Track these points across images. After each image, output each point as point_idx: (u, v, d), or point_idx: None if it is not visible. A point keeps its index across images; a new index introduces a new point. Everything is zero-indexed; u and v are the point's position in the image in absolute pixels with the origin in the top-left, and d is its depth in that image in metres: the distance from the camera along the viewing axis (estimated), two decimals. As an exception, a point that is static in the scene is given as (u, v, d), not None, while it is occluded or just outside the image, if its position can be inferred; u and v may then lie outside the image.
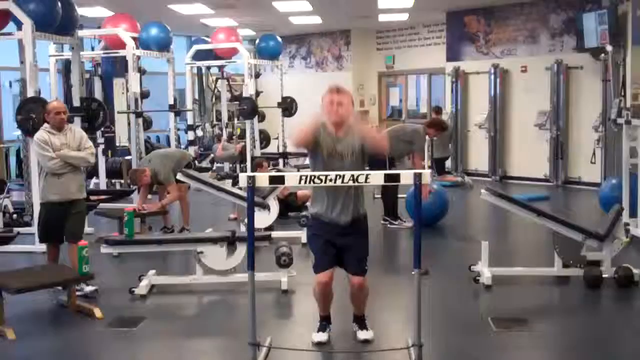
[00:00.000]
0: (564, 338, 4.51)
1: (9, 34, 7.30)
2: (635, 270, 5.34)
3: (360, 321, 4.28)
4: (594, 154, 9.98)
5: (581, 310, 5.08)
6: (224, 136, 12.37)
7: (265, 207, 7.09)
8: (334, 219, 4.01)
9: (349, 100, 3.96)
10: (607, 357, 4.13)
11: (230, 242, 5.41)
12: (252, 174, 3.68)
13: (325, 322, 4.26)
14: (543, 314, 4.94)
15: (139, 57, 9.77)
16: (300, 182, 3.72)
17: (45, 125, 5.29)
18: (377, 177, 3.77)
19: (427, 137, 7.98)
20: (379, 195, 8.24)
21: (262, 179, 3.76)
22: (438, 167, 10.99)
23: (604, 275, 5.32)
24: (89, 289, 5.26)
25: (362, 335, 4.23)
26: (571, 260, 5.45)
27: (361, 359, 4.03)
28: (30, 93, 7.06)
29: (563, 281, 5.51)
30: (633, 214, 7.15)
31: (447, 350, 4.21)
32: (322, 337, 4.22)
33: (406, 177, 3.64)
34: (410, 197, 7.27)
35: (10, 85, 11.48)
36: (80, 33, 8.35)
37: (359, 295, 4.17)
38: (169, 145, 11.56)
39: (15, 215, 7.97)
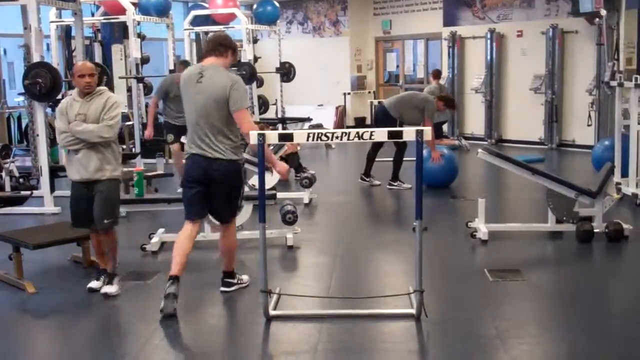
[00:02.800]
0: (556, 287, 4.76)
1: (13, -1, 7.40)
2: (625, 225, 5.57)
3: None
4: (589, 116, 10.15)
5: (573, 262, 5.32)
6: None
7: (269, 168, 7.26)
8: None
9: None
10: (596, 303, 4.36)
11: (237, 200, 5.59)
12: (262, 131, 3.85)
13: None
14: (536, 265, 5.20)
15: (138, 23, 9.86)
16: (307, 140, 3.90)
17: (74, 90, 4.70)
18: (381, 134, 3.96)
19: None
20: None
21: (272, 136, 3.94)
22: (436, 130, 11.14)
23: (595, 230, 5.55)
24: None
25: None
26: (564, 216, 5.68)
27: (365, 304, 4.24)
28: (36, 58, 7.19)
29: (556, 236, 5.75)
30: (625, 174, 7.35)
31: (446, 297, 4.44)
32: None
33: (409, 134, 3.83)
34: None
35: (5, 53, 11.57)
36: (81, -1, 8.42)
37: None
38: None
39: (22, 180, 8.14)
